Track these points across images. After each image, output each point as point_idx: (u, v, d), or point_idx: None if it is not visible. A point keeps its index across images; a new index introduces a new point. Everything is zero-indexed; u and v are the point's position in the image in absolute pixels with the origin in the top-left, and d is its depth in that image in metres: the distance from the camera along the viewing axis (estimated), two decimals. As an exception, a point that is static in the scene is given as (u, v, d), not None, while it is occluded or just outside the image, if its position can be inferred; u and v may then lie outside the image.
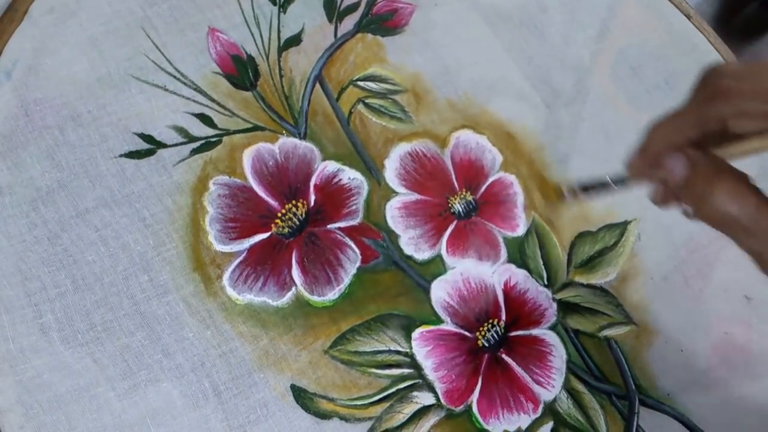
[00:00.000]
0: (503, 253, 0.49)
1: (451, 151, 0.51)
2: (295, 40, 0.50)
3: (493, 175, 0.51)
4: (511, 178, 0.51)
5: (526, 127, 0.53)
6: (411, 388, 0.44)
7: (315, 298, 0.45)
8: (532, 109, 0.53)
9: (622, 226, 0.51)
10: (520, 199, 0.51)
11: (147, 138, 0.45)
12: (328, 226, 0.46)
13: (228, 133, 0.47)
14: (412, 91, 0.51)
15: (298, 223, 0.46)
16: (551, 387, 0.46)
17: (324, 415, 0.43)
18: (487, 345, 0.46)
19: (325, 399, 0.43)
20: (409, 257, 0.47)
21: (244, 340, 0.43)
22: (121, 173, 0.44)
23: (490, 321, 0.47)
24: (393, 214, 0.48)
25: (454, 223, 0.49)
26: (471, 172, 0.51)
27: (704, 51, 0.57)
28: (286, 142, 0.47)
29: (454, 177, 0.50)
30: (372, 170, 0.49)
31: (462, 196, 0.50)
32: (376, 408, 0.44)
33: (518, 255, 0.49)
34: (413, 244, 0.48)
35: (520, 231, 0.50)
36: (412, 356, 0.45)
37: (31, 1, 0.46)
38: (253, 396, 0.42)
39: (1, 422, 0.39)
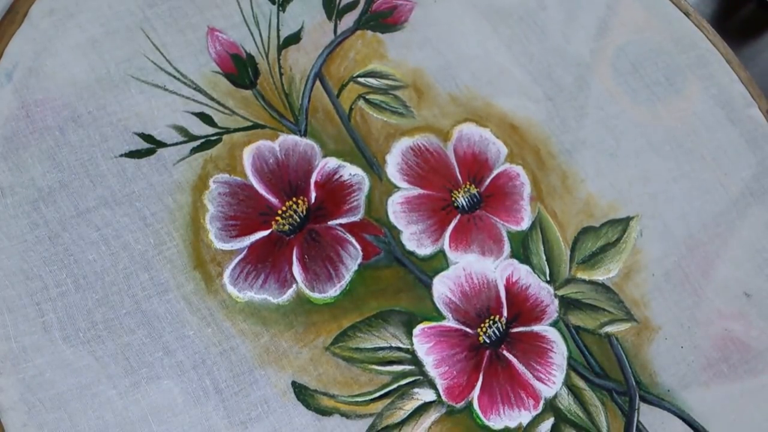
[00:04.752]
0: (506, 248, 0.49)
1: (454, 145, 0.50)
2: (294, 39, 0.50)
3: (498, 167, 0.51)
4: (517, 169, 0.51)
5: (530, 118, 0.52)
6: (412, 384, 0.44)
7: (316, 295, 0.45)
8: (535, 102, 0.53)
9: (625, 222, 0.51)
10: (526, 190, 0.50)
11: (147, 137, 0.46)
12: (329, 223, 0.46)
13: (228, 131, 0.47)
14: (413, 87, 0.51)
15: (298, 220, 0.46)
16: (552, 383, 0.46)
17: (325, 412, 0.43)
18: (488, 341, 0.46)
19: (326, 396, 0.43)
20: (411, 253, 0.47)
21: (244, 337, 0.43)
22: (122, 173, 0.45)
23: (492, 317, 0.46)
24: (395, 209, 0.48)
25: (458, 217, 0.49)
26: (475, 165, 0.50)
27: (703, 48, 0.57)
28: (287, 139, 0.48)
29: (457, 170, 0.50)
30: (373, 166, 0.49)
31: (466, 189, 0.49)
32: (377, 404, 0.44)
33: (521, 250, 0.49)
34: (415, 240, 0.48)
35: (525, 225, 0.50)
36: (413, 353, 0.45)
37: (30, 4, 0.47)
38: (254, 393, 0.42)
39: (3, 420, 0.39)
